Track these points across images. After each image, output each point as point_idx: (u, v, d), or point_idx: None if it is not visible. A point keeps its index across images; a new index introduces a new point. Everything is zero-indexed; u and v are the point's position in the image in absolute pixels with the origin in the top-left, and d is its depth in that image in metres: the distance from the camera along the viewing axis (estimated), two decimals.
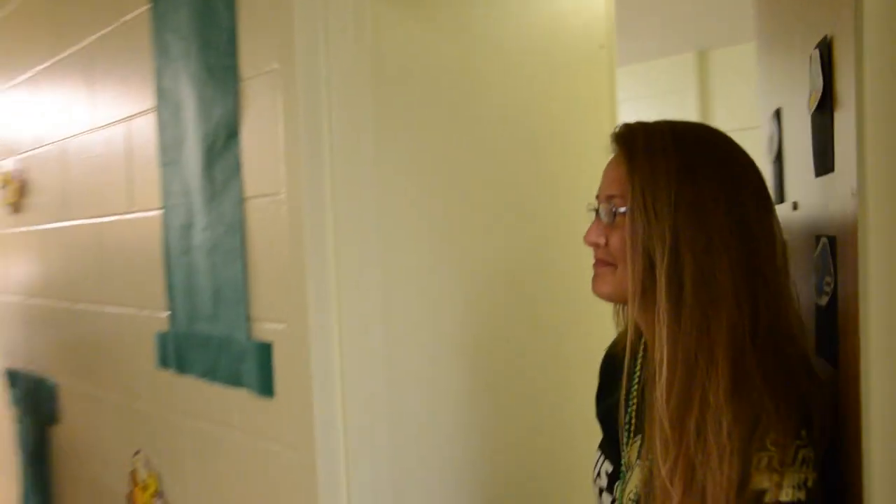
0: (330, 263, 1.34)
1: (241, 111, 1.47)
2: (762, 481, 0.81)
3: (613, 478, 1.03)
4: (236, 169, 1.48)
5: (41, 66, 2.27)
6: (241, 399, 1.52)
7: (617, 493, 1.02)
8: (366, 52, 1.37)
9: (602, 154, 0.99)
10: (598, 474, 1.07)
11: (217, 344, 1.57)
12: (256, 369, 1.45)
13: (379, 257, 1.40)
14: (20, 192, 2.48)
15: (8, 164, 2.54)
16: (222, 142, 1.51)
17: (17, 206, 2.51)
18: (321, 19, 1.32)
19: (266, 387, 1.45)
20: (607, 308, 1.07)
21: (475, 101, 1.58)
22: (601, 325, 1.20)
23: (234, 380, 1.52)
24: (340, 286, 1.34)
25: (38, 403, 2.41)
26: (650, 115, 1.00)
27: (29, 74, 2.36)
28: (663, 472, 0.86)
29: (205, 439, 1.65)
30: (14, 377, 2.58)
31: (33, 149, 2.37)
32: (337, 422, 1.34)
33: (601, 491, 1.06)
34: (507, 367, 1.62)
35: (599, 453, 1.09)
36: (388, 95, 1.44)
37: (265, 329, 1.45)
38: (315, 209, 1.34)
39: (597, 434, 1.12)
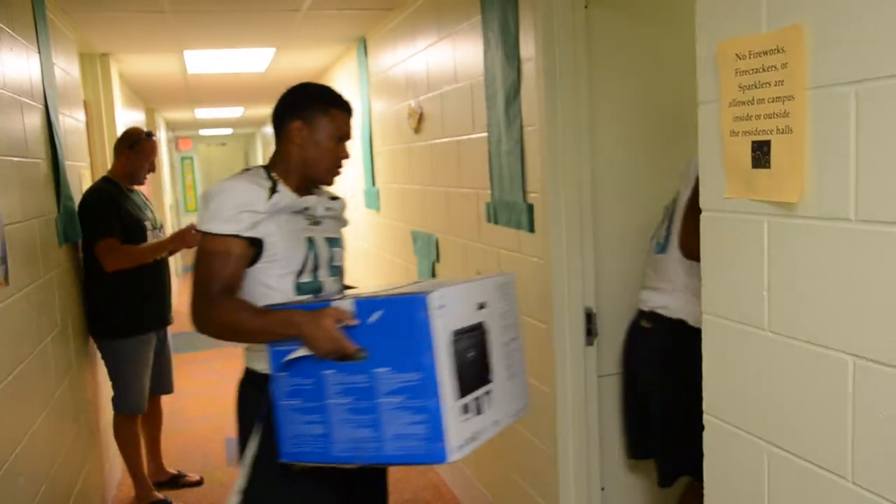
0: (559, 165, 2.55)
1: (521, 79, 2.71)
2: None
3: None
4: (518, 111, 2.74)
5: (429, 44, 3.73)
6: (520, 235, 2.82)
7: None
8: (581, 46, 2.52)
9: None
10: None
11: (511, 206, 2.87)
12: (527, 219, 2.73)
13: (588, 162, 2.58)
14: (419, 119, 4.02)
15: (412, 103, 4.09)
16: (512, 96, 2.77)
17: (417, 129, 4.06)
18: (552, 30, 2.50)
19: (531, 228, 2.72)
20: None
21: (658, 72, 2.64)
22: None
23: (518, 225, 2.82)
24: (567, 174, 2.56)
25: (429, 250, 3.98)
26: None
27: (423, 47, 3.84)
28: None
29: (505, 258, 2.99)
30: (415, 235, 4.20)
31: (426, 93, 3.86)
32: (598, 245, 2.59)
33: None
34: None
35: None
36: (599, 67, 2.57)
37: (531, 197, 2.72)
38: (552, 135, 2.55)
39: None
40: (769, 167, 1.41)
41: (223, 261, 1.89)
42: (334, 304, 1.76)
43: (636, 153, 2.67)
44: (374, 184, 5.22)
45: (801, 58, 1.33)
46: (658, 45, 2.64)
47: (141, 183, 3.86)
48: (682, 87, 2.65)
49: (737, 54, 1.47)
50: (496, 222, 3.03)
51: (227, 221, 1.89)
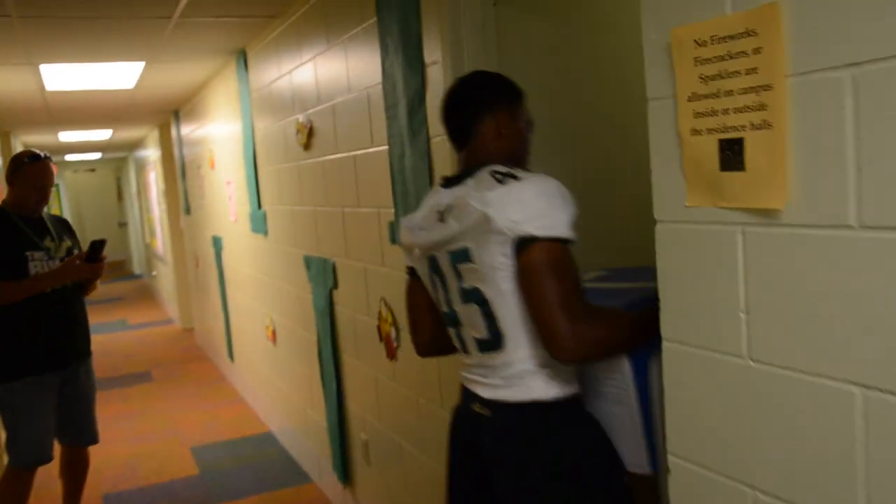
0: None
1: (426, 85, 2.47)
2: None
3: None
4: (424, 120, 2.49)
5: (318, 53, 3.44)
6: None
7: None
8: (491, 47, 2.31)
9: None
10: None
11: None
12: None
13: None
14: (309, 135, 3.71)
15: (301, 117, 3.78)
16: (416, 104, 2.52)
17: (307, 146, 3.75)
18: (459, 29, 2.27)
19: None
20: None
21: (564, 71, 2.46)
22: None
23: None
24: None
25: (325, 276, 3.67)
26: None
27: (310, 57, 3.55)
28: None
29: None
30: (309, 260, 3.87)
31: (315, 106, 3.56)
32: None
33: None
34: None
35: None
36: (511, 68, 2.36)
37: None
38: None
39: None
40: (743, 169, 1.22)
41: (578, 272, 1.65)
42: None
43: (550, 156, 2.46)
44: (259, 206, 4.86)
45: (778, 40, 1.14)
46: (572, 44, 2.46)
47: (35, 212, 3.47)
48: (600, 85, 2.49)
49: (696, 41, 1.28)
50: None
51: (573, 226, 1.64)
